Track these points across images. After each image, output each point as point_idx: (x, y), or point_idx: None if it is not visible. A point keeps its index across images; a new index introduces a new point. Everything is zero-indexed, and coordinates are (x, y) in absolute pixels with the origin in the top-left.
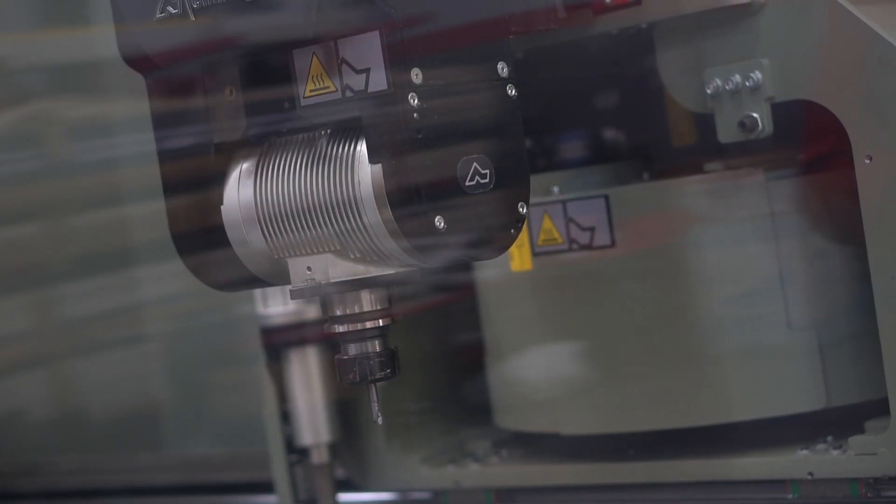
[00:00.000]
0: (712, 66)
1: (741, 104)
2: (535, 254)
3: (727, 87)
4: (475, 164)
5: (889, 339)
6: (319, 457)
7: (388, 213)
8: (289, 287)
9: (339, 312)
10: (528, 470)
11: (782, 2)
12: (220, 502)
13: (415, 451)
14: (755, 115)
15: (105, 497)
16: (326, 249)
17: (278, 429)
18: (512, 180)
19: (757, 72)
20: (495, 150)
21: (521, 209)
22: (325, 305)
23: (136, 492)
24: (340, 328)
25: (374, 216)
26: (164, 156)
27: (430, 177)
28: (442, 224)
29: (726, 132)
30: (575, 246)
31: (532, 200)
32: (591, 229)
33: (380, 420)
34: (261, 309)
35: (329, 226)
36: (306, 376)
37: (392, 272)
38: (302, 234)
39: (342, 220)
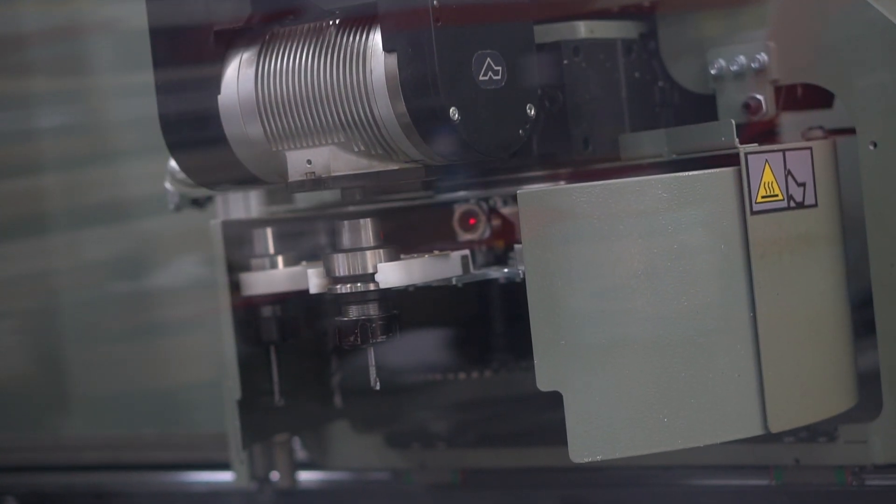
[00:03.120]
0: (717, 47)
1: (744, 86)
2: (753, 212)
3: (732, 69)
4: (489, 59)
5: (885, 325)
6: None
7: (401, 103)
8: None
9: (341, 273)
10: (497, 452)
11: None
12: (174, 479)
13: (379, 431)
14: (759, 96)
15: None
16: (329, 142)
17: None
18: (521, 80)
19: (763, 54)
20: (508, 47)
21: (529, 111)
22: (327, 266)
23: (96, 468)
24: (342, 289)
25: (385, 107)
26: (158, 42)
27: (446, 68)
28: (457, 116)
29: (727, 113)
30: (793, 204)
31: (752, 148)
32: (804, 185)
33: (377, 386)
34: None
35: (335, 116)
36: None
37: (396, 168)
38: (305, 123)
39: (350, 110)
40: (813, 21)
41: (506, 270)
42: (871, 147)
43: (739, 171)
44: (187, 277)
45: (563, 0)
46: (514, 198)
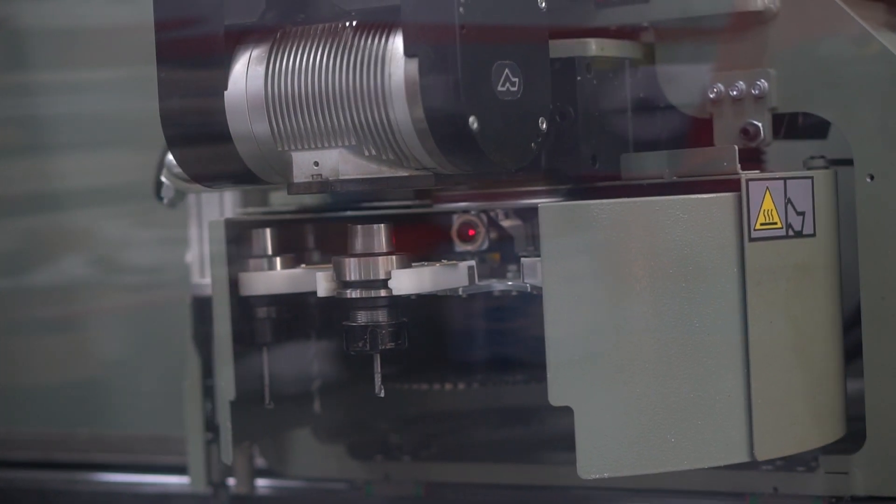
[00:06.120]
0: (717, 72)
1: (743, 111)
2: (751, 239)
3: (731, 94)
4: (507, 70)
5: (872, 358)
6: None
7: (420, 109)
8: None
9: (352, 278)
10: (463, 467)
11: (795, 13)
12: (124, 481)
13: (341, 441)
14: (758, 123)
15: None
16: (339, 144)
17: (199, 403)
18: (536, 93)
19: (763, 80)
20: (525, 59)
21: (541, 124)
22: (338, 270)
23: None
24: (352, 294)
25: (402, 111)
26: (164, 35)
27: (468, 76)
28: (476, 125)
29: (725, 138)
30: (791, 233)
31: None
32: (803, 214)
33: (382, 393)
34: (196, 278)
35: (348, 118)
36: None
37: (406, 174)
38: (315, 124)
39: (364, 113)
40: (815, 50)
41: (510, 283)
42: (869, 179)
43: (739, 197)
44: (70, 276)
45: (567, 18)
46: (517, 211)
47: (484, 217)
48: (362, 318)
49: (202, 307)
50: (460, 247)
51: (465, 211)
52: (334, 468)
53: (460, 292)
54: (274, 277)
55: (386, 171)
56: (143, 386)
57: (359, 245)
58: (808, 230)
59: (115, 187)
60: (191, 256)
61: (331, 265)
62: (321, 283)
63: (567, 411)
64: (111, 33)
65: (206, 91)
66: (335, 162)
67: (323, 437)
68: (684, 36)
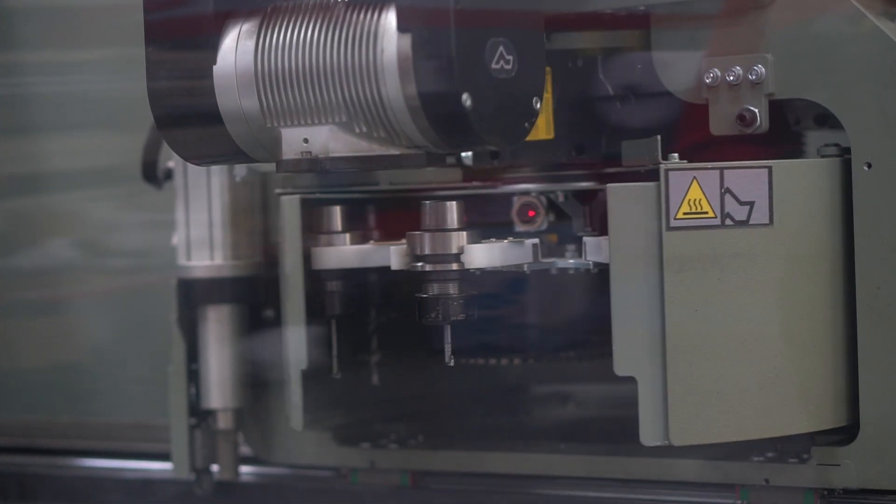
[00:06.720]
0: (713, 56)
1: (739, 97)
2: (669, 227)
3: (728, 79)
4: (501, 48)
5: (866, 348)
6: (226, 422)
7: (412, 85)
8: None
9: (426, 251)
10: (449, 455)
11: None
12: (111, 466)
13: (328, 427)
14: (754, 109)
15: None
16: (329, 121)
17: (183, 388)
18: (530, 73)
19: (760, 66)
20: (519, 37)
21: (535, 104)
22: (412, 244)
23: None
24: (427, 267)
25: (394, 88)
26: (152, 8)
27: (462, 52)
28: (468, 102)
29: (720, 124)
30: (729, 222)
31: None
32: (750, 204)
33: (451, 362)
34: (182, 261)
35: (339, 94)
36: (222, 336)
37: (397, 153)
38: (305, 100)
39: (356, 89)
40: (813, 36)
41: (571, 261)
42: (866, 168)
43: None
44: (55, 259)
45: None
46: (575, 194)
47: (543, 199)
48: (435, 290)
49: (188, 290)
50: (520, 227)
51: (526, 192)
52: (320, 456)
53: (525, 268)
54: (345, 252)
55: (377, 149)
56: (127, 371)
57: (432, 221)
58: (759, 220)
59: (101, 169)
60: (177, 239)
61: (397, 242)
62: (395, 256)
63: (554, 398)
64: (98, 12)
65: (195, 68)
66: (325, 139)
67: (309, 424)
68: (680, 21)
